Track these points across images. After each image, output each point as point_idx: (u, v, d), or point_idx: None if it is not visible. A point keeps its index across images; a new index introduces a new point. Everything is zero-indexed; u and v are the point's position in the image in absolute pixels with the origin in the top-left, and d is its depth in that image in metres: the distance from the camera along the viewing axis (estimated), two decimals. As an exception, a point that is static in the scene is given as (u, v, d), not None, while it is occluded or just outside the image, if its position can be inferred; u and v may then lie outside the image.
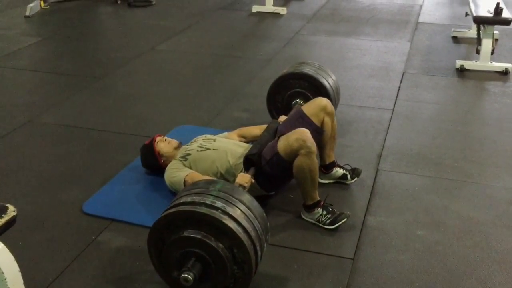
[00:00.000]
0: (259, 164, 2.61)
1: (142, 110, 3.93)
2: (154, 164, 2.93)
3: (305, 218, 2.65)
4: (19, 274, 1.69)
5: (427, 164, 3.20)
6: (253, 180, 2.52)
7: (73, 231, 2.58)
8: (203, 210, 1.98)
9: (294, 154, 2.51)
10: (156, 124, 3.65)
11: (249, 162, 2.63)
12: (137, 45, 5.38)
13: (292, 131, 2.60)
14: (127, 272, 2.33)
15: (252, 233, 2.01)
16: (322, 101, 2.90)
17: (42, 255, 2.42)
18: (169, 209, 2.08)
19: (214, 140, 2.87)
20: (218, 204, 2.00)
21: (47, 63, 5.04)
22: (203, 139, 2.90)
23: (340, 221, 2.56)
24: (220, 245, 1.98)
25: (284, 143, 2.57)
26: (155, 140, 2.94)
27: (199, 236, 1.98)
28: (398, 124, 3.70)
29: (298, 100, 3.29)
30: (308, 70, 3.33)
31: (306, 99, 3.21)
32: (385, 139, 3.47)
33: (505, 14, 4.47)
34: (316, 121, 2.83)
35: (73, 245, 2.48)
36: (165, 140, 2.95)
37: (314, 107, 2.88)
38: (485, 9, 4.59)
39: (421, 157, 3.27)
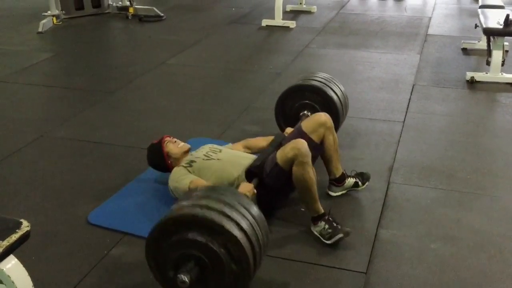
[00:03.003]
0: (261, 177, 2.63)
1: (153, 124, 3.95)
2: (161, 164, 2.94)
3: (312, 230, 2.65)
4: (33, 289, 1.70)
5: (439, 176, 3.18)
6: (255, 191, 2.53)
7: (85, 245, 2.59)
8: (198, 211, 2.00)
9: (290, 163, 2.55)
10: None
11: (251, 174, 2.65)
12: (148, 60, 5.42)
13: (290, 142, 2.66)
14: (140, 286, 2.33)
15: (247, 228, 2.01)
16: (321, 116, 2.92)
17: (55, 270, 2.43)
18: (168, 214, 2.09)
19: (220, 151, 2.89)
20: (216, 206, 2.03)
21: (59, 79, 5.10)
22: (209, 148, 2.92)
23: (335, 236, 2.51)
24: (215, 242, 1.98)
25: (281, 153, 2.62)
26: (164, 140, 2.95)
27: (191, 237, 1.99)
28: (409, 137, 3.69)
29: (305, 112, 3.30)
30: (316, 82, 3.35)
31: (314, 111, 3.24)
32: (396, 152, 3.46)
33: (515, 25, 4.46)
34: (316, 137, 2.85)
35: (86, 259, 2.49)
36: (175, 141, 2.97)
37: (313, 123, 2.90)
38: (495, 20, 4.58)
39: (433, 170, 3.25)
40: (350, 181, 2.95)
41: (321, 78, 3.42)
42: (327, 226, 2.57)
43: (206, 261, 2.01)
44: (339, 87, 3.41)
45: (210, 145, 2.97)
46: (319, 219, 2.59)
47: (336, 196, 2.94)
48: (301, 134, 2.85)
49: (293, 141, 2.63)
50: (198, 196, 2.14)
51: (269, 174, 2.64)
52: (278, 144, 2.87)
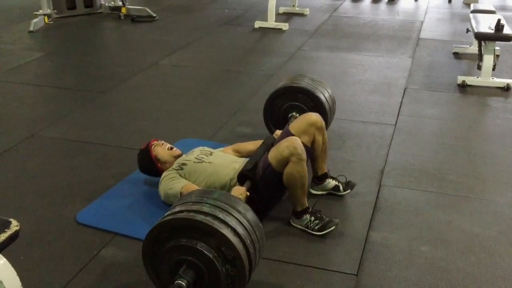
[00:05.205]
0: (254, 180, 2.62)
1: (145, 124, 3.94)
2: (152, 168, 2.93)
3: (293, 224, 2.66)
4: (22, 289, 1.68)
5: (430, 179, 3.19)
6: (248, 193, 2.52)
7: (75, 245, 2.57)
8: (190, 216, 1.99)
9: (285, 162, 2.53)
10: (158, 138, 3.64)
11: (244, 178, 2.63)
12: (140, 60, 5.41)
13: (283, 140, 2.63)
14: (130, 287, 2.31)
15: (239, 229, 2.00)
16: (312, 116, 2.91)
17: (44, 270, 2.41)
18: (163, 218, 2.08)
19: (211, 154, 2.88)
20: (208, 210, 2.01)
21: (51, 78, 5.07)
22: (200, 151, 2.90)
23: (329, 229, 2.56)
24: (205, 246, 1.97)
25: (275, 152, 2.60)
26: (152, 145, 2.95)
27: (182, 243, 1.98)
28: (400, 140, 3.70)
29: (294, 114, 3.30)
30: (306, 84, 3.35)
31: (303, 113, 3.23)
32: (387, 154, 3.47)
33: (506, 30, 4.49)
34: (306, 138, 2.82)
35: (75, 260, 2.47)
36: (162, 144, 2.96)
37: (303, 123, 2.88)
38: (486, 25, 4.61)
39: (424, 173, 3.26)
40: (331, 182, 2.94)
41: (310, 80, 3.42)
42: (313, 218, 2.59)
43: (200, 266, 1.99)
44: (327, 90, 3.41)
45: (201, 148, 2.95)
46: (303, 212, 2.61)
47: (317, 194, 2.94)
48: (288, 136, 2.83)
49: (288, 139, 2.60)
50: (191, 201, 2.11)
51: (262, 176, 2.62)
52: (268, 146, 2.85)
